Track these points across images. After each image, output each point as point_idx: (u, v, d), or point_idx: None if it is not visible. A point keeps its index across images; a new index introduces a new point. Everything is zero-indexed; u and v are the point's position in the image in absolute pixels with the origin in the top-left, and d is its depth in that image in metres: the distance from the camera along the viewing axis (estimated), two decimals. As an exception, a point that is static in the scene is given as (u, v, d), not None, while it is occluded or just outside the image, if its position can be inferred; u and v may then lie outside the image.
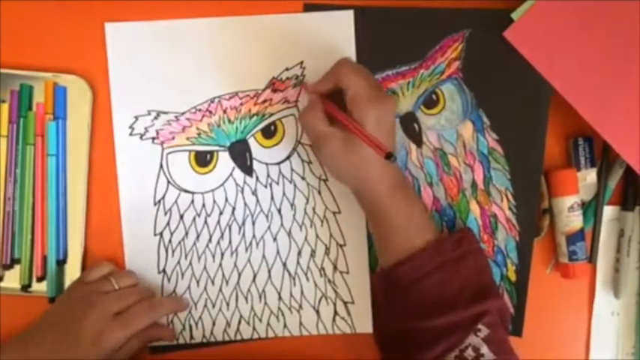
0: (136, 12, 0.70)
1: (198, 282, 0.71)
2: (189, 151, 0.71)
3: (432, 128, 0.71)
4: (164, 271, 0.71)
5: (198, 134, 0.70)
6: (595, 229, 0.72)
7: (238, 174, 0.71)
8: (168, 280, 0.71)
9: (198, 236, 0.71)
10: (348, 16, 0.70)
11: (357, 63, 0.67)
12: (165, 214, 0.71)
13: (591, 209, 0.72)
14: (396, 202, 0.62)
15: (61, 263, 0.70)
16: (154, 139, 0.70)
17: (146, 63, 0.70)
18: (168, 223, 0.71)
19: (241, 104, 0.70)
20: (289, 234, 0.71)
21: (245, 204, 0.71)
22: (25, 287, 0.70)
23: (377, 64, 0.70)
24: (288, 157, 0.71)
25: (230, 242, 0.71)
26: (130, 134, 0.71)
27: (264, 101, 0.70)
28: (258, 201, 0.71)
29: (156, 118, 0.70)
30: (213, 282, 0.71)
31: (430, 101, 0.71)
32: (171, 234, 0.71)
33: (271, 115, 0.71)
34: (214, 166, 0.71)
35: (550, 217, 0.71)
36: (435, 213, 0.71)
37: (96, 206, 0.71)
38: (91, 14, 0.70)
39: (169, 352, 0.71)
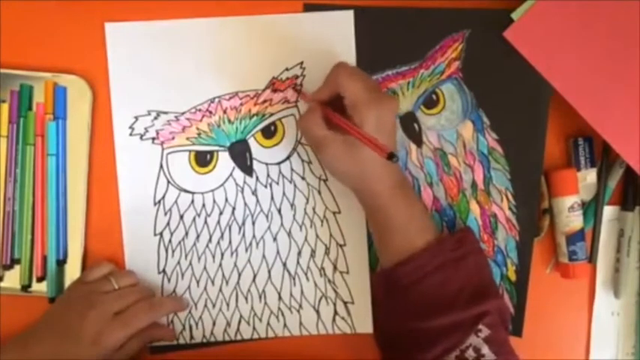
0: (136, 12, 0.70)
1: (198, 282, 0.71)
2: (189, 151, 0.71)
3: (432, 128, 0.71)
4: (164, 271, 0.71)
5: (198, 134, 0.70)
6: (595, 229, 0.72)
7: (238, 174, 0.71)
8: (168, 280, 0.71)
9: (198, 236, 0.71)
10: (348, 16, 0.70)
11: (354, 66, 0.68)
12: (165, 214, 0.71)
13: (591, 209, 0.72)
14: (396, 201, 0.62)
15: (61, 263, 0.70)
16: (154, 139, 0.70)
17: (146, 63, 0.70)
18: (168, 223, 0.71)
19: (241, 104, 0.70)
20: (289, 234, 0.71)
21: (245, 204, 0.71)
22: (25, 287, 0.70)
23: (377, 64, 0.70)
24: (288, 157, 0.71)
25: (230, 242, 0.71)
26: (130, 134, 0.71)
27: (264, 101, 0.70)
28: (258, 201, 0.71)
29: (156, 118, 0.70)
30: (213, 282, 0.71)
31: (430, 101, 0.71)
32: (171, 234, 0.71)
33: (271, 115, 0.71)
34: (214, 166, 0.71)
35: (550, 217, 0.71)
36: (435, 213, 0.71)
37: (96, 206, 0.71)
38: (91, 14, 0.70)
39: (169, 352, 0.71)
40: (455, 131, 0.71)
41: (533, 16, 0.68)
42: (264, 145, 0.71)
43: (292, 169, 0.71)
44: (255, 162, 0.71)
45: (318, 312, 0.71)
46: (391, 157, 0.57)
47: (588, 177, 0.71)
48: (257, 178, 0.71)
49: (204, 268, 0.71)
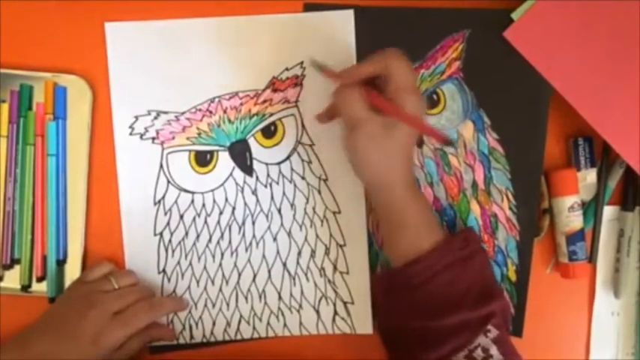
0: (136, 12, 0.70)
1: (198, 282, 0.71)
2: (189, 150, 0.71)
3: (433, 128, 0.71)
4: (164, 271, 0.71)
5: (199, 134, 0.70)
6: (595, 229, 0.72)
7: (238, 174, 0.71)
8: (168, 280, 0.71)
9: (198, 236, 0.71)
10: (348, 16, 0.70)
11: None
12: (165, 214, 0.71)
13: (591, 209, 0.72)
14: (411, 198, 0.62)
15: (61, 263, 0.70)
16: (154, 139, 0.70)
17: (146, 63, 0.70)
18: (168, 223, 0.71)
19: (241, 104, 0.70)
20: (289, 234, 0.71)
21: (245, 204, 0.71)
22: (25, 287, 0.70)
23: (377, 64, 0.70)
24: (288, 157, 0.71)
25: (230, 242, 0.71)
26: (130, 134, 0.71)
27: (264, 101, 0.70)
28: (258, 201, 0.71)
29: (156, 118, 0.70)
30: (213, 282, 0.71)
31: (431, 101, 0.71)
32: (171, 234, 0.71)
33: (271, 115, 0.71)
34: (214, 166, 0.71)
35: (550, 217, 0.71)
36: (436, 213, 0.71)
37: (96, 206, 0.71)
38: (91, 14, 0.70)
39: (169, 352, 0.71)
40: (455, 131, 0.71)
41: (533, 16, 0.68)
42: (264, 145, 0.71)
43: (292, 169, 0.71)
44: (255, 162, 0.71)
45: (318, 312, 0.71)
46: (449, 142, 0.59)
47: (588, 177, 0.71)
48: (257, 177, 0.71)
49: (204, 268, 0.71)
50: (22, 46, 0.70)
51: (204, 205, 0.71)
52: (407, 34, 0.70)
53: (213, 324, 0.71)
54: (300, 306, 0.71)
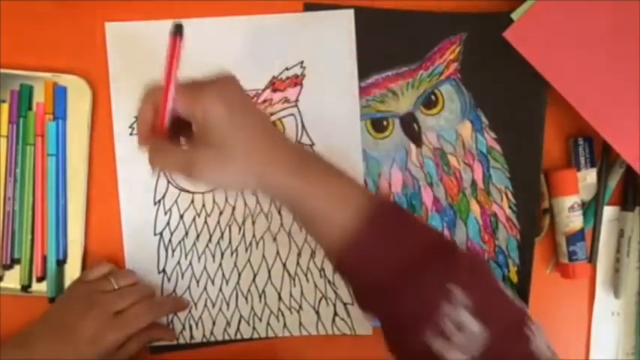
0: (136, 12, 0.70)
1: (198, 282, 0.71)
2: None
3: (431, 128, 0.71)
4: (164, 271, 0.71)
5: (199, 134, 0.70)
6: (595, 229, 0.72)
7: (238, 174, 0.71)
8: (168, 280, 0.71)
9: (198, 236, 0.71)
10: (348, 16, 0.70)
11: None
12: (165, 214, 0.71)
13: (591, 209, 0.72)
14: (306, 180, 0.54)
15: (61, 263, 0.70)
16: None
17: (146, 63, 0.70)
18: (168, 223, 0.71)
19: (241, 104, 0.70)
20: (289, 234, 0.71)
21: (245, 204, 0.71)
22: (25, 287, 0.70)
23: (377, 64, 0.70)
24: (288, 157, 0.71)
25: (230, 242, 0.71)
26: (130, 134, 0.71)
27: (264, 101, 0.70)
28: (258, 201, 0.71)
29: (156, 118, 0.70)
30: (213, 282, 0.71)
31: (429, 102, 0.71)
32: (171, 234, 0.71)
33: (271, 115, 0.71)
34: (214, 166, 0.71)
35: (550, 217, 0.71)
36: (436, 213, 0.71)
37: (96, 206, 0.71)
38: (91, 14, 0.70)
39: (169, 352, 0.71)
40: (454, 131, 0.71)
41: (533, 16, 0.67)
42: (264, 145, 0.71)
43: (292, 169, 0.71)
44: (255, 162, 0.71)
45: (317, 313, 0.71)
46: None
47: (588, 177, 0.71)
48: (257, 178, 0.71)
49: (204, 268, 0.71)
50: (22, 46, 0.70)
51: (204, 205, 0.71)
52: (406, 36, 0.71)
53: (213, 324, 0.71)
54: (300, 306, 0.71)
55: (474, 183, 0.71)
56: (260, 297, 0.71)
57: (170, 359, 0.71)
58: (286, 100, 0.70)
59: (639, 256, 0.72)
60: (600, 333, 0.73)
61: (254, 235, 0.71)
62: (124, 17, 0.70)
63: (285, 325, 0.71)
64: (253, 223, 0.71)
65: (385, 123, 0.71)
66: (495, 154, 0.71)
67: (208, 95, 0.52)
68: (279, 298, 0.71)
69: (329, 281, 0.71)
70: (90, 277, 0.68)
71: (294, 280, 0.71)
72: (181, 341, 0.71)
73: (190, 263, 0.71)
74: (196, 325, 0.71)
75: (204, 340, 0.71)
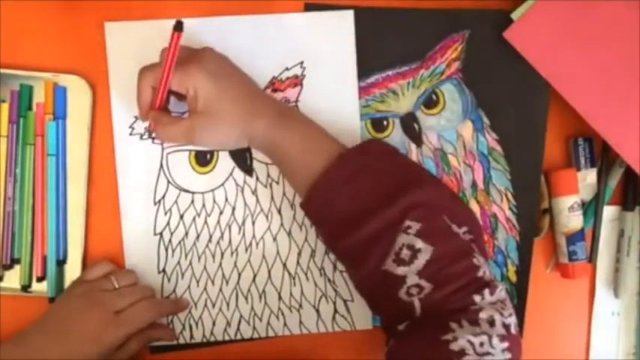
0: (136, 12, 0.70)
1: (198, 282, 0.71)
2: (189, 150, 0.71)
3: (431, 128, 0.71)
4: (164, 271, 0.71)
5: (198, 134, 0.70)
6: (595, 229, 0.72)
7: (238, 174, 0.71)
8: (168, 280, 0.71)
9: (198, 236, 0.71)
10: (348, 16, 0.70)
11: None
12: (165, 214, 0.71)
13: (591, 209, 0.72)
14: (284, 131, 0.63)
15: (61, 263, 0.70)
16: (154, 138, 0.70)
17: (146, 63, 0.70)
18: (168, 223, 0.71)
19: (241, 104, 0.70)
20: (289, 234, 0.71)
21: (245, 204, 0.71)
22: (25, 287, 0.70)
23: (377, 64, 0.70)
24: (288, 157, 0.71)
25: (230, 242, 0.71)
26: (130, 134, 0.71)
27: (264, 101, 0.70)
28: (258, 201, 0.71)
29: (156, 118, 0.70)
30: (213, 282, 0.71)
31: (430, 101, 0.71)
32: (171, 234, 0.71)
33: (271, 115, 0.71)
34: (214, 166, 0.71)
35: (550, 217, 0.72)
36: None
37: (96, 206, 0.71)
38: (91, 14, 0.70)
39: (169, 352, 0.71)
40: (455, 131, 0.71)
41: (533, 16, 0.68)
42: (264, 145, 0.71)
43: (292, 169, 0.71)
44: (255, 162, 0.71)
45: (318, 311, 0.71)
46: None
47: (588, 177, 0.71)
48: (257, 177, 0.71)
49: (204, 267, 0.71)
50: (22, 46, 0.70)
51: (204, 205, 0.71)
52: (407, 35, 0.70)
53: (213, 324, 0.71)
54: (300, 305, 0.71)
55: (474, 184, 0.71)
56: (260, 297, 0.71)
57: (170, 359, 0.71)
58: (286, 101, 0.70)
59: (639, 256, 0.72)
60: (600, 333, 0.73)
61: (254, 235, 0.71)
62: (124, 17, 0.70)
63: (285, 324, 0.72)
64: (253, 223, 0.71)
65: (385, 123, 0.71)
66: (496, 155, 0.71)
67: (195, 73, 0.62)
68: (279, 298, 0.71)
69: (329, 280, 0.71)
70: (90, 277, 0.68)
71: (294, 279, 0.71)
72: (181, 341, 0.71)
73: (190, 263, 0.71)
74: (196, 325, 0.71)
75: (204, 340, 0.71)
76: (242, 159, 0.71)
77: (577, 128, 0.71)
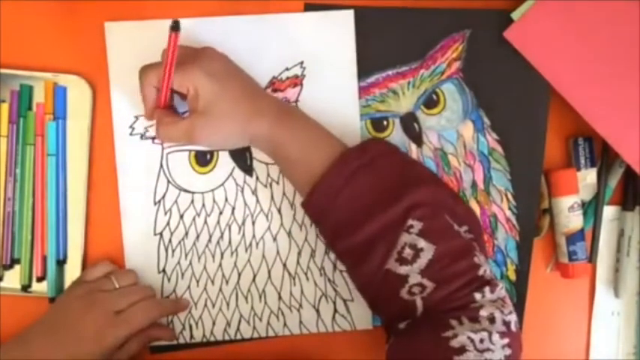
0: (136, 12, 0.70)
1: (198, 282, 0.71)
2: (189, 150, 0.71)
3: (432, 128, 0.71)
4: (164, 271, 0.71)
5: (198, 134, 0.70)
6: (595, 229, 0.72)
7: (238, 174, 0.71)
8: (168, 280, 0.71)
9: (198, 236, 0.71)
10: (348, 16, 0.70)
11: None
12: (165, 213, 0.71)
13: (591, 209, 0.72)
14: (285, 131, 0.63)
15: (61, 263, 0.70)
16: (154, 138, 0.70)
17: (146, 63, 0.70)
18: (168, 223, 0.71)
19: (241, 104, 0.70)
20: (289, 234, 0.71)
21: (245, 204, 0.71)
22: (25, 287, 0.70)
23: (377, 64, 0.70)
24: (288, 157, 0.71)
25: (230, 242, 0.71)
26: (130, 134, 0.71)
27: (265, 101, 0.70)
28: (258, 201, 0.71)
29: (156, 117, 0.70)
30: (213, 282, 0.71)
31: (430, 101, 0.71)
32: (171, 234, 0.71)
33: (271, 115, 0.71)
34: (214, 166, 0.71)
35: (550, 217, 0.72)
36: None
37: (96, 206, 0.71)
38: (91, 14, 0.70)
39: (169, 352, 0.71)
40: (455, 131, 0.71)
41: (533, 16, 0.68)
42: (264, 145, 0.71)
43: (292, 169, 0.71)
44: (255, 161, 0.71)
45: (318, 311, 0.71)
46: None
47: (588, 177, 0.71)
48: (257, 177, 0.71)
49: (204, 267, 0.71)
50: (22, 46, 0.70)
51: (204, 205, 0.71)
52: (407, 34, 0.70)
53: (213, 324, 0.71)
54: (300, 305, 0.71)
55: (474, 184, 0.71)
56: (260, 296, 0.71)
57: (170, 359, 0.71)
58: (286, 101, 0.70)
59: (639, 256, 0.72)
60: (600, 333, 0.73)
61: (254, 235, 0.71)
62: (124, 17, 0.70)
63: (285, 324, 0.72)
64: (253, 223, 0.71)
65: (385, 123, 0.71)
66: (497, 156, 0.71)
67: (195, 73, 0.62)
68: (279, 298, 0.71)
69: (329, 279, 0.71)
70: (90, 277, 0.68)
71: (294, 279, 0.71)
72: (181, 341, 0.71)
73: (190, 263, 0.71)
74: (196, 325, 0.71)
75: (204, 340, 0.71)
76: (242, 159, 0.71)
77: (577, 128, 0.71)
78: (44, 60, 0.70)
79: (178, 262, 0.71)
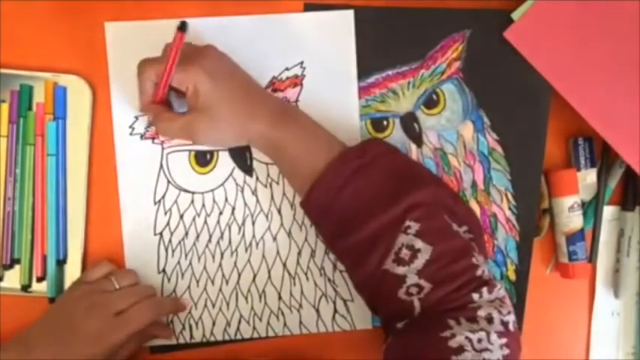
0: (136, 12, 0.70)
1: (198, 282, 0.71)
2: (189, 150, 0.71)
3: (432, 128, 0.71)
4: (164, 271, 0.71)
5: (198, 134, 0.70)
6: (595, 229, 0.72)
7: (238, 174, 0.71)
8: (168, 280, 0.71)
9: (198, 236, 0.71)
10: (348, 16, 0.70)
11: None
12: (165, 213, 0.71)
13: (591, 209, 0.72)
14: (285, 131, 0.63)
15: (61, 263, 0.70)
16: (154, 138, 0.70)
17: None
18: (168, 223, 0.71)
19: (241, 104, 0.70)
20: (289, 234, 0.71)
21: (245, 204, 0.71)
22: (25, 287, 0.70)
23: (377, 64, 0.70)
24: (288, 157, 0.71)
25: (230, 242, 0.71)
26: (130, 134, 0.71)
27: (265, 101, 0.70)
28: (258, 201, 0.71)
29: (156, 117, 0.70)
30: (213, 282, 0.71)
31: (431, 101, 0.71)
32: (171, 234, 0.71)
33: (271, 115, 0.71)
34: (214, 166, 0.71)
35: (550, 217, 0.72)
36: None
37: (96, 206, 0.71)
38: (91, 14, 0.70)
39: (169, 352, 0.71)
40: (455, 131, 0.71)
41: (533, 16, 0.68)
42: (264, 145, 0.71)
43: (292, 169, 0.71)
44: (255, 162, 0.71)
45: (317, 311, 0.71)
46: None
47: (588, 177, 0.71)
48: (257, 177, 0.71)
49: (204, 267, 0.71)
50: (22, 46, 0.70)
51: (204, 205, 0.71)
52: (407, 34, 0.70)
53: (213, 324, 0.71)
54: (300, 305, 0.71)
55: (474, 184, 0.71)
56: (260, 297, 0.71)
57: (170, 359, 0.71)
58: (286, 101, 0.70)
59: (639, 256, 0.72)
60: (600, 333, 0.73)
61: (254, 235, 0.71)
62: (124, 17, 0.70)
63: (285, 324, 0.72)
64: (253, 223, 0.71)
65: (385, 123, 0.71)
66: (496, 156, 0.71)
67: (195, 71, 0.62)
68: (279, 298, 0.71)
69: (329, 279, 0.71)
70: (90, 278, 0.68)
71: (294, 279, 0.71)
72: (181, 341, 0.71)
73: (190, 263, 0.71)
74: (196, 325, 0.71)
75: (204, 340, 0.71)
76: (242, 159, 0.71)
77: (577, 128, 0.71)
78: (44, 60, 0.70)
79: (178, 262, 0.71)
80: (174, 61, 0.62)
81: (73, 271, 0.70)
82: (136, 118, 0.70)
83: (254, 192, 0.71)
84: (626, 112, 0.67)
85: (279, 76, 0.70)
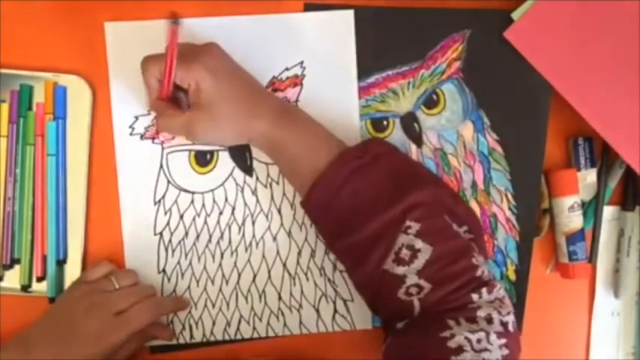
0: (135, 12, 0.70)
1: (198, 282, 0.71)
2: (189, 150, 0.71)
3: (432, 128, 0.71)
4: (164, 270, 0.71)
5: (198, 134, 0.70)
6: (595, 229, 0.72)
7: (238, 174, 0.71)
8: (168, 279, 0.71)
9: (198, 236, 0.71)
10: (348, 16, 0.70)
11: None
12: (165, 213, 0.71)
13: (591, 209, 0.72)
14: (285, 130, 0.63)
15: (61, 263, 0.70)
16: (154, 138, 0.70)
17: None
18: (168, 223, 0.71)
19: (241, 104, 0.70)
20: (289, 234, 0.71)
21: (245, 204, 0.71)
22: (25, 287, 0.70)
23: (377, 64, 0.70)
24: (288, 157, 0.71)
25: (230, 242, 0.71)
26: (130, 134, 0.71)
27: (264, 101, 0.70)
28: (258, 201, 0.71)
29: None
30: (213, 282, 0.71)
31: (431, 101, 0.71)
32: (171, 234, 0.71)
33: (271, 115, 0.71)
34: (214, 166, 0.71)
35: (550, 217, 0.72)
36: (435, 213, 0.71)
37: (96, 206, 0.71)
38: (91, 14, 0.70)
39: (169, 352, 0.71)
40: (455, 131, 0.71)
41: (533, 16, 0.68)
42: (264, 145, 0.71)
43: (292, 169, 0.71)
44: (255, 161, 0.71)
45: (317, 311, 0.71)
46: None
47: (588, 177, 0.71)
48: (257, 177, 0.71)
49: (204, 267, 0.71)
50: (22, 46, 0.70)
51: (204, 205, 0.71)
52: (407, 34, 0.70)
53: (213, 324, 0.71)
54: (300, 305, 0.71)
55: (474, 184, 0.71)
56: (260, 297, 0.71)
57: (170, 359, 0.71)
58: (286, 101, 0.70)
59: (639, 256, 0.72)
60: (600, 333, 0.73)
61: (254, 235, 0.71)
62: (124, 17, 0.70)
63: (285, 324, 0.72)
64: (253, 223, 0.71)
65: (385, 123, 0.71)
66: (497, 156, 0.71)
67: (197, 68, 0.62)
68: (279, 298, 0.71)
69: (329, 280, 0.71)
70: (90, 278, 0.68)
71: (294, 279, 0.71)
72: (181, 341, 0.71)
73: (190, 263, 0.71)
74: (196, 325, 0.71)
75: (204, 340, 0.71)
76: (242, 159, 0.71)
77: (577, 128, 0.71)
78: (44, 60, 0.70)
79: (178, 262, 0.71)
80: (174, 56, 0.62)
81: (73, 271, 0.70)
82: (136, 118, 0.70)
83: (254, 192, 0.71)
84: (626, 112, 0.67)
85: (279, 75, 0.70)
